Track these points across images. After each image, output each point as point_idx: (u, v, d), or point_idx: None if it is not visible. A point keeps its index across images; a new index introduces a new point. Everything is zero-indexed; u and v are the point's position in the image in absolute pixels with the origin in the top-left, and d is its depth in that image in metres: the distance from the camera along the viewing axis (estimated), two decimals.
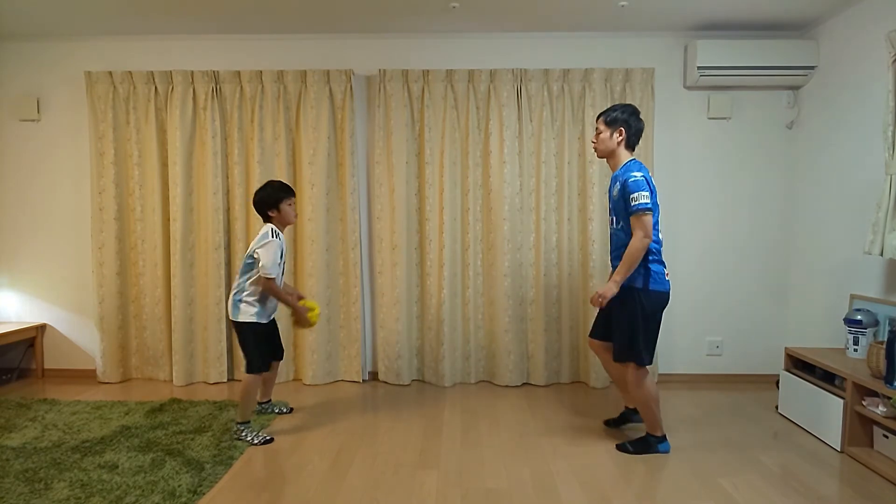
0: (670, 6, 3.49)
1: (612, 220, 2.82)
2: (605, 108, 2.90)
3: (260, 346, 3.01)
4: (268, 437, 2.98)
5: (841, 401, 2.84)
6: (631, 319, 2.71)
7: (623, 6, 3.47)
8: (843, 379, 2.87)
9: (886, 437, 2.71)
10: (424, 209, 3.93)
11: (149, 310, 4.02)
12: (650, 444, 2.83)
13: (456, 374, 4.00)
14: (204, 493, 2.41)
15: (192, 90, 3.91)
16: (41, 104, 4.07)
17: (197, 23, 3.77)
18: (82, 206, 4.07)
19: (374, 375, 4.11)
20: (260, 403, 3.34)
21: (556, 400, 3.66)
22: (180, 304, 3.92)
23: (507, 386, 3.91)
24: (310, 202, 3.90)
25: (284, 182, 3.12)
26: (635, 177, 2.62)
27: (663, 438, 2.85)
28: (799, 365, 3.31)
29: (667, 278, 2.73)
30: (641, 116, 2.83)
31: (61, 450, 2.82)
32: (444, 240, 3.90)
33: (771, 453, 2.84)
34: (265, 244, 2.89)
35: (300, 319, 3.03)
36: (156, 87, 3.93)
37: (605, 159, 2.89)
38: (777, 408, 3.41)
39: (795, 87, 3.91)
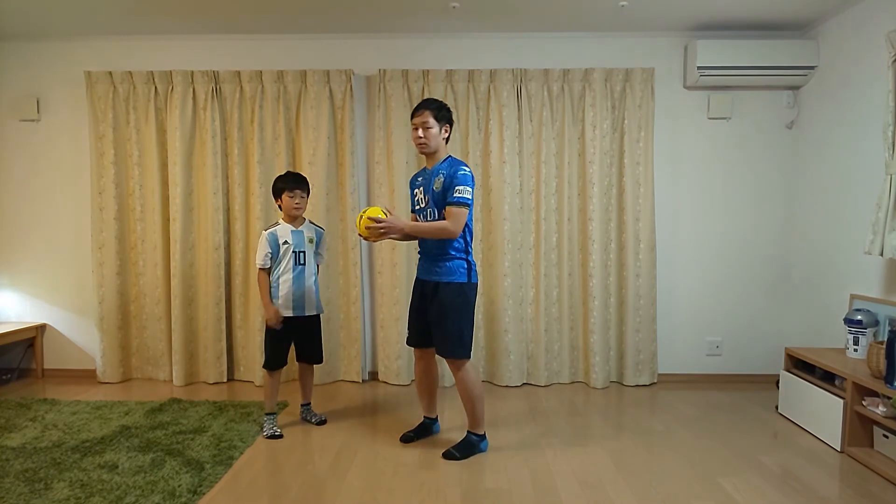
0: (670, 6, 3.49)
1: (433, 212, 2.73)
2: (424, 100, 2.74)
3: (273, 340, 3.04)
4: (277, 433, 3.03)
5: (841, 401, 2.84)
6: (458, 314, 2.71)
7: (623, 6, 3.47)
8: (843, 379, 2.87)
9: (886, 437, 2.70)
10: None
11: (149, 310, 4.02)
12: (474, 444, 2.80)
13: None
14: (204, 493, 2.41)
15: (191, 90, 3.91)
16: (41, 104, 4.07)
17: (197, 23, 3.77)
18: (82, 206, 4.07)
19: (374, 375, 4.11)
20: (301, 405, 3.31)
21: (556, 400, 3.66)
22: (180, 304, 3.92)
23: (507, 386, 3.91)
24: (310, 202, 3.89)
25: (299, 174, 3.11)
26: (465, 171, 2.65)
27: (484, 436, 2.84)
28: (799, 365, 3.31)
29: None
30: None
31: (61, 450, 2.82)
32: None
33: (771, 453, 2.84)
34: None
35: (268, 317, 3.00)
36: (156, 87, 3.93)
37: (427, 154, 2.79)
38: (777, 408, 3.41)
39: (795, 87, 3.91)
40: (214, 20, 3.72)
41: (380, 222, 2.57)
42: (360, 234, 2.65)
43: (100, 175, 3.95)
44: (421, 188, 2.81)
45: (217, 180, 3.92)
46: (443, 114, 2.73)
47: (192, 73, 3.90)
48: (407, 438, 2.96)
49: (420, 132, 2.70)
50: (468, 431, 2.83)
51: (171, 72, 3.91)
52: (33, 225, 4.13)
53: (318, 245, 3.15)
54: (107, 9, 3.53)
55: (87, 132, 3.97)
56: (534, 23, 3.76)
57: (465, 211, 2.63)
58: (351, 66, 3.96)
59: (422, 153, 2.80)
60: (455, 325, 2.72)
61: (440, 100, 2.82)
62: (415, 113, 2.73)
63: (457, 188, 2.61)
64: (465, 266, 2.73)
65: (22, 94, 4.07)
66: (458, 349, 2.72)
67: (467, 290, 2.73)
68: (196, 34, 3.98)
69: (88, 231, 4.03)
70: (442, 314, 2.73)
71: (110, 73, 3.93)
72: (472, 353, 2.77)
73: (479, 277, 3.94)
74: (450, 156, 2.77)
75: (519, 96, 3.86)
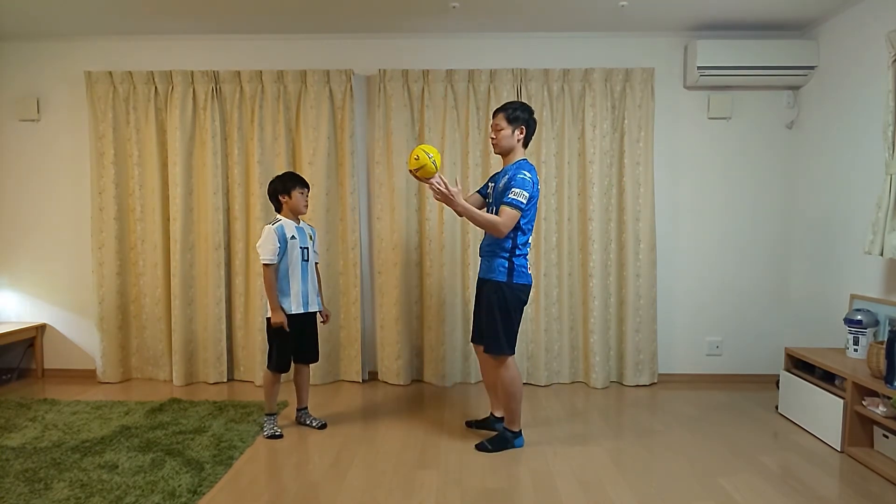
0: (670, 6, 3.49)
1: (493, 209, 2.83)
2: (503, 104, 2.85)
3: (282, 343, 2.97)
4: (277, 433, 3.04)
5: (841, 401, 2.84)
6: (492, 312, 2.80)
7: (623, 6, 3.47)
8: (843, 379, 2.87)
9: (886, 437, 2.71)
10: (424, 209, 3.93)
11: (149, 310, 4.02)
12: (507, 439, 2.88)
13: (456, 374, 4.00)
14: (204, 493, 2.41)
15: (192, 90, 3.91)
16: (41, 104, 4.07)
17: (197, 23, 3.77)
18: (82, 206, 4.07)
19: (374, 375, 4.11)
20: (297, 409, 3.26)
21: (556, 400, 3.66)
22: (180, 304, 3.92)
23: None
24: (310, 202, 3.89)
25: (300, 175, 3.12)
26: (524, 176, 2.70)
27: (519, 433, 2.90)
28: (799, 365, 3.31)
29: (529, 271, 2.83)
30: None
31: (61, 450, 2.82)
32: (444, 240, 3.90)
33: (771, 453, 2.84)
34: (262, 235, 2.94)
35: (272, 310, 2.93)
36: (156, 87, 3.93)
37: (501, 155, 2.89)
38: (777, 408, 3.41)
39: (795, 87, 3.91)
40: (214, 20, 3.72)
41: (443, 191, 2.63)
42: (416, 166, 2.66)
43: (100, 175, 3.95)
44: (493, 184, 2.92)
45: (217, 180, 3.92)
46: (516, 115, 2.79)
47: (192, 73, 3.90)
48: (468, 424, 3.17)
49: (492, 133, 2.84)
50: (503, 427, 2.92)
51: (171, 72, 3.91)
52: (33, 225, 4.12)
53: (313, 243, 3.16)
54: (107, 9, 3.53)
55: (87, 132, 3.97)
56: (534, 23, 3.76)
57: (516, 213, 2.68)
58: (351, 66, 3.96)
59: (495, 153, 2.90)
60: (491, 321, 2.82)
61: (521, 102, 2.86)
62: (493, 115, 2.86)
63: (513, 189, 2.67)
64: (506, 265, 2.78)
65: (22, 94, 4.07)
66: (493, 345, 2.82)
67: (505, 290, 2.78)
68: (196, 34, 3.97)
69: (88, 231, 4.03)
70: (484, 310, 2.88)
71: (110, 73, 3.93)
72: (511, 349, 2.82)
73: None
74: (523, 159, 2.81)
75: (519, 96, 3.86)
